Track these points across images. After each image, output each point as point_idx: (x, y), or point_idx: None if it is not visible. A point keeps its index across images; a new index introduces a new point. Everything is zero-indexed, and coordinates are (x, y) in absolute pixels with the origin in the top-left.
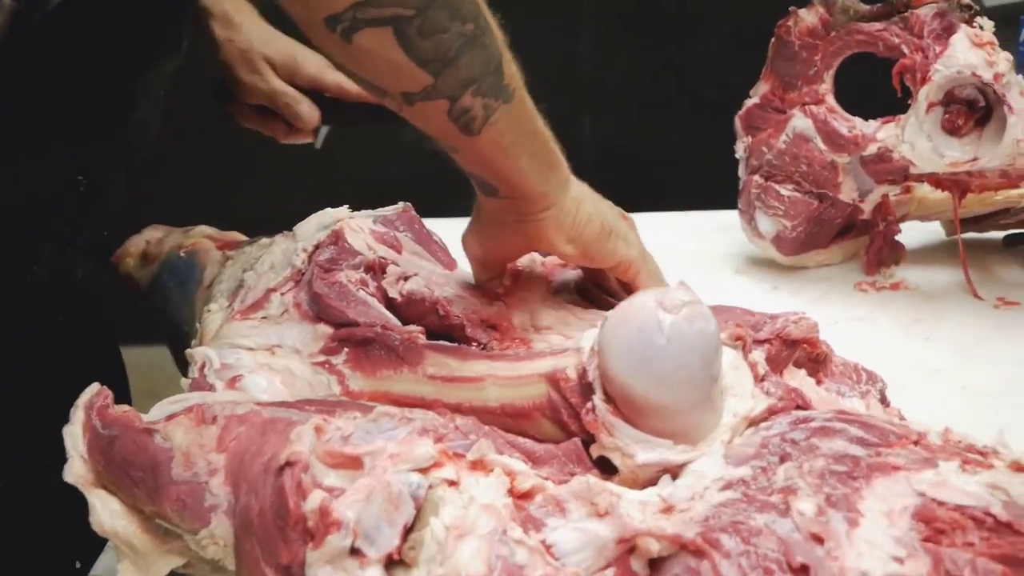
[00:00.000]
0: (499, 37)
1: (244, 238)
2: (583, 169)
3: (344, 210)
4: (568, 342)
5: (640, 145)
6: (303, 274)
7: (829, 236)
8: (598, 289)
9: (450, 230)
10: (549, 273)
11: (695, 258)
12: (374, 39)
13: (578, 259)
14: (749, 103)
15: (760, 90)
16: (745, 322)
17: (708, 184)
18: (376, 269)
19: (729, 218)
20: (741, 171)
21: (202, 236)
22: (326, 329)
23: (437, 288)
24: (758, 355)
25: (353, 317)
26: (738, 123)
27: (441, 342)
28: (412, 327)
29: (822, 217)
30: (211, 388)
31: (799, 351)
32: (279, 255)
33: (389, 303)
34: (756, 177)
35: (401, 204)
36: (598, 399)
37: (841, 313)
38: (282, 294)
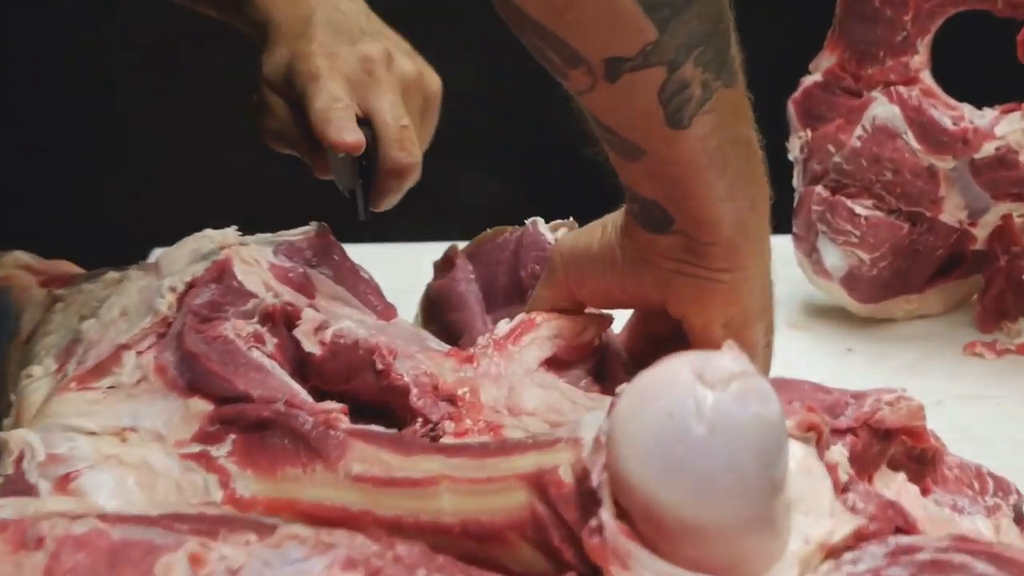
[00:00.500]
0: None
1: (78, 270)
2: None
3: (231, 232)
4: (560, 429)
5: None
6: (170, 324)
7: (925, 275)
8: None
9: (384, 260)
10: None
11: None
12: None
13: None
14: (808, 82)
15: (824, 64)
16: (818, 403)
17: None
18: (277, 319)
19: (779, 248)
20: (797, 180)
21: (16, 267)
22: (203, 405)
23: (374, 336)
24: (839, 452)
25: (243, 388)
26: (792, 110)
27: (373, 427)
28: (330, 404)
29: (915, 247)
30: (33, 492)
31: (896, 446)
32: (134, 296)
33: (298, 367)
34: (819, 189)
35: (314, 225)
36: (607, 514)
37: (946, 389)
38: (139, 353)
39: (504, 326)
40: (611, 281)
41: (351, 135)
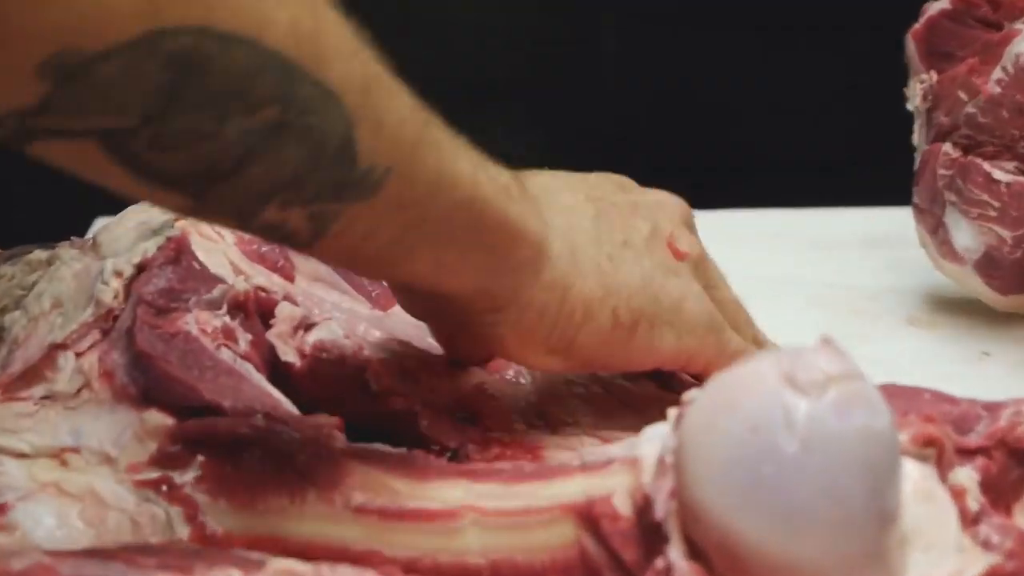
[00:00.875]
0: (351, 98)
1: None
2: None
3: None
4: (613, 447)
5: (707, 90)
6: (116, 318)
7: None
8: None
9: None
10: None
11: (830, 295)
12: (70, 154)
13: (579, 370)
14: (933, 10)
15: None
16: (942, 414)
17: (847, 160)
18: (251, 309)
19: (894, 222)
20: (918, 136)
21: None
22: (162, 419)
23: (366, 345)
24: (967, 476)
25: (211, 398)
26: (912, 47)
27: (377, 446)
28: (322, 417)
29: None
30: None
31: None
32: (68, 283)
33: (278, 372)
34: (947, 147)
35: None
36: (676, 553)
37: None
38: (78, 355)
39: None
40: (451, 342)
41: None
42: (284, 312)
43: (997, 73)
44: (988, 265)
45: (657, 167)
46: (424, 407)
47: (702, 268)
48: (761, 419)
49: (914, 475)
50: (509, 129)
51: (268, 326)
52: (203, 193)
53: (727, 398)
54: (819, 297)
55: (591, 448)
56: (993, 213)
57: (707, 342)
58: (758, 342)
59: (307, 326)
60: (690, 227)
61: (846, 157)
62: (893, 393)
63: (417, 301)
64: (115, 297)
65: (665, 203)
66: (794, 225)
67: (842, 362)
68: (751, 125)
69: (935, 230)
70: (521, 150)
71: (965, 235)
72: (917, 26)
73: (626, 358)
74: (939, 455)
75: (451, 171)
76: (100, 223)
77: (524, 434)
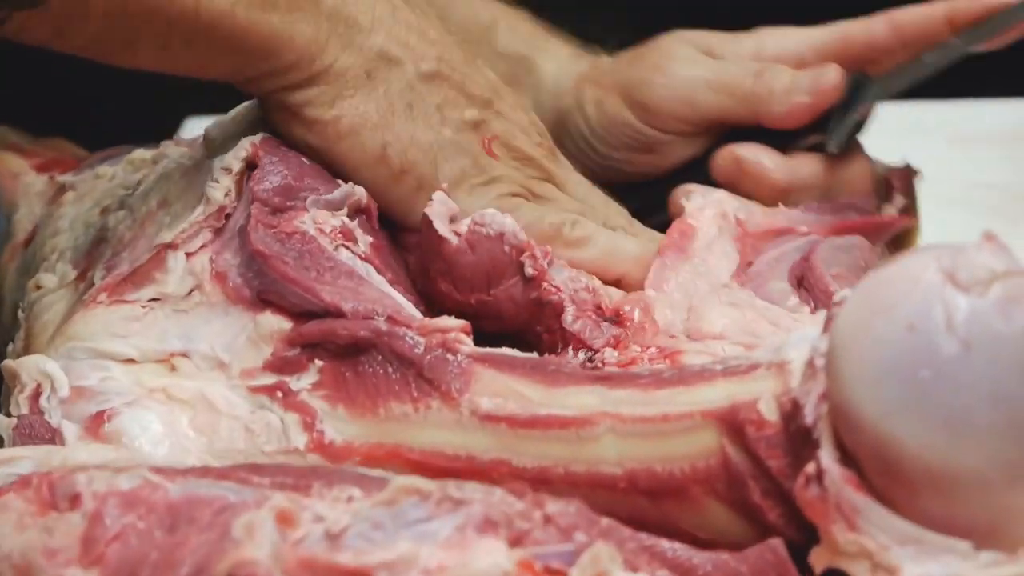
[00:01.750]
0: None
1: (78, 150)
2: None
3: None
4: (758, 352)
5: None
6: (229, 217)
7: None
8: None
9: None
10: (745, 237)
11: (970, 195)
12: None
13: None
14: None
15: None
16: None
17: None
18: (371, 212)
19: None
20: None
21: (1, 148)
22: (278, 322)
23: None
24: None
25: (330, 300)
26: None
27: (506, 350)
28: (448, 320)
29: None
30: (56, 437)
31: None
32: (176, 181)
33: (406, 275)
34: None
35: None
36: (828, 459)
37: None
38: (188, 255)
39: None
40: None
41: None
42: (439, 197)
43: None
44: None
45: None
46: (572, 302)
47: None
48: (919, 318)
49: None
50: None
51: (395, 239)
52: None
53: (882, 296)
54: (958, 197)
55: (733, 353)
56: None
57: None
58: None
59: (459, 217)
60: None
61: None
62: None
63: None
64: (226, 195)
65: (521, 123)
66: (930, 118)
67: (1007, 259)
68: None
69: None
70: None
71: None
72: None
73: (388, 199)
74: None
75: None
76: (191, 123)
77: (664, 341)
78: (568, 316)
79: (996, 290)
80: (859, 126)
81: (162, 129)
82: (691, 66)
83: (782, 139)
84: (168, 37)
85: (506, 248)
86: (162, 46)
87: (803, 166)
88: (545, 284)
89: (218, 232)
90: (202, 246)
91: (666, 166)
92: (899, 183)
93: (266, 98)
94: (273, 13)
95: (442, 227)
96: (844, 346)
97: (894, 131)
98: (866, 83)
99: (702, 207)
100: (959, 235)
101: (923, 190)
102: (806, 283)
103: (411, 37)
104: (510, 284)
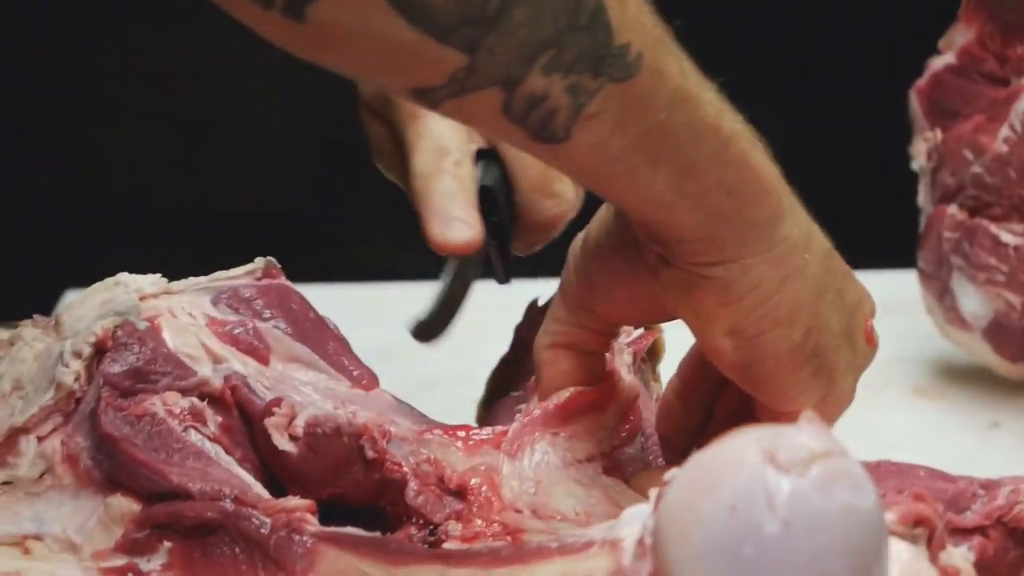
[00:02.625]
0: None
1: None
2: None
3: (154, 279)
4: (593, 529)
5: None
6: (79, 400)
7: None
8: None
9: (368, 306)
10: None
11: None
12: (342, 9)
13: (730, 370)
14: (937, 66)
15: (957, 41)
16: (936, 493)
17: (851, 222)
18: (226, 402)
19: (901, 286)
20: (923, 197)
21: None
22: (128, 505)
23: (359, 415)
24: (961, 556)
25: (179, 482)
26: (916, 104)
27: (349, 530)
28: (293, 500)
29: None
30: None
31: None
32: (29, 364)
33: (253, 455)
34: (953, 209)
35: (260, 262)
36: None
37: None
38: (40, 439)
39: (543, 403)
40: (618, 279)
41: (459, 232)
42: (284, 405)
43: (1004, 131)
44: (997, 332)
45: None
46: (414, 476)
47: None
48: (741, 498)
49: (903, 556)
50: None
51: (245, 419)
52: (475, 46)
53: (706, 477)
54: None
55: (570, 530)
56: (1001, 278)
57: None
58: None
59: (294, 414)
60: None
61: (851, 218)
62: (887, 470)
63: (627, 240)
64: (76, 379)
65: (864, 290)
66: None
67: (825, 439)
68: None
69: (941, 296)
70: None
71: (973, 301)
72: (921, 82)
73: (778, 386)
74: (930, 535)
75: (697, 90)
76: (70, 296)
77: (508, 517)
78: (410, 491)
79: (815, 470)
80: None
81: (40, 300)
82: None
83: None
84: (690, 154)
85: (344, 439)
86: (680, 167)
87: None
88: (387, 463)
89: (68, 416)
90: (53, 429)
91: None
92: None
93: (719, 265)
94: (755, 150)
95: (280, 440)
96: (670, 526)
97: None
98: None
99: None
100: None
101: None
102: (644, 444)
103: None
104: (354, 471)
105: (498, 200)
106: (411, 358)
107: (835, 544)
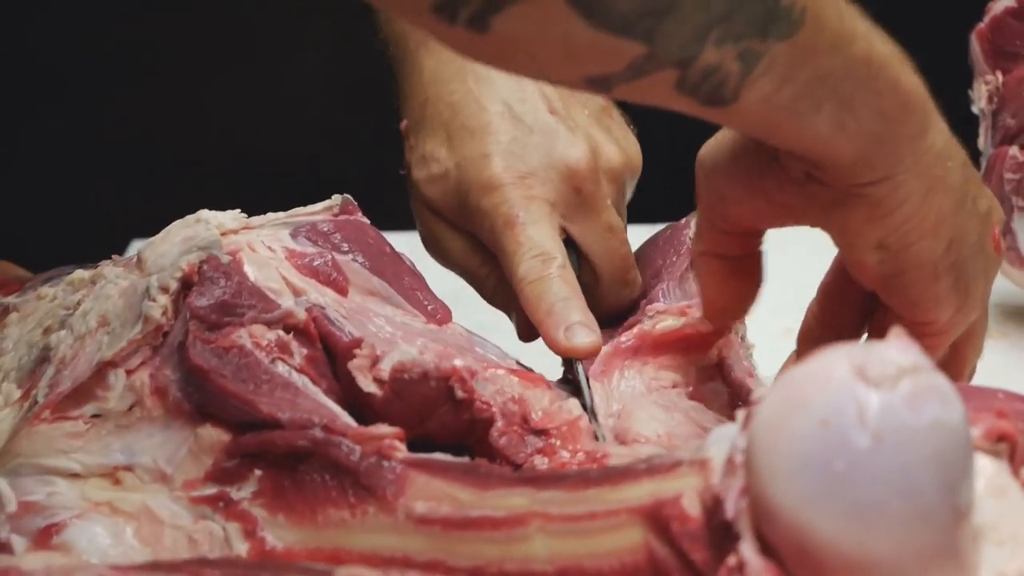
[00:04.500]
0: None
1: (22, 272)
2: None
3: (234, 214)
4: (681, 450)
5: None
6: (167, 334)
7: None
8: None
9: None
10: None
11: None
12: (526, 19)
13: (873, 283)
14: (998, 8)
15: None
16: (1016, 413)
17: None
18: (310, 333)
19: None
20: (984, 139)
21: None
22: (218, 435)
23: (444, 356)
24: None
25: (268, 411)
26: (976, 47)
27: (438, 455)
28: (382, 428)
29: None
30: (5, 550)
31: None
32: (115, 300)
33: (337, 387)
34: (1014, 151)
35: (337, 199)
36: (749, 552)
37: None
38: (129, 372)
39: (628, 334)
40: (754, 190)
41: (583, 337)
42: (365, 346)
43: None
44: None
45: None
46: (501, 416)
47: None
48: (832, 413)
49: (987, 470)
50: None
51: (327, 349)
52: (652, 34)
53: (797, 393)
54: None
55: (658, 452)
56: None
57: (976, 334)
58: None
59: (375, 359)
60: None
61: None
62: (967, 393)
63: (764, 157)
64: (163, 313)
65: (994, 198)
66: None
67: (914, 355)
68: None
69: (1003, 236)
70: None
71: None
72: (981, 25)
73: (921, 297)
74: (1011, 451)
75: (850, 26)
76: (136, 246)
77: (592, 446)
78: (495, 432)
79: (905, 385)
80: None
81: (108, 251)
82: None
83: None
84: (848, 89)
85: (432, 384)
86: (840, 102)
87: None
88: (476, 403)
89: (156, 349)
90: (141, 363)
91: None
92: None
93: (877, 184)
94: (904, 70)
95: (364, 382)
96: (761, 443)
97: (818, 245)
98: None
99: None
100: None
101: None
102: (725, 380)
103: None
104: (442, 413)
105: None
106: (475, 304)
107: (925, 457)
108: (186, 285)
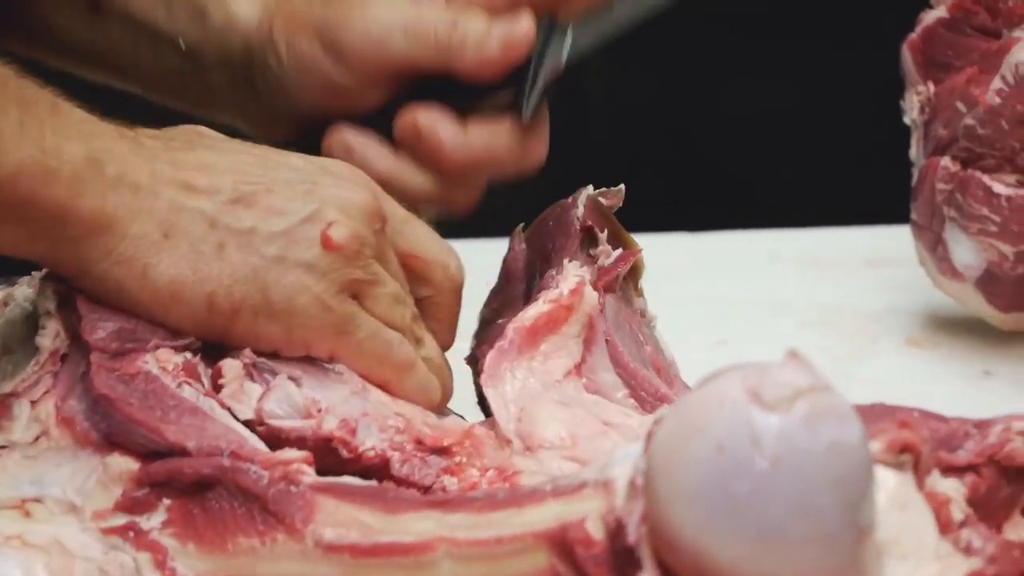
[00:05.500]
0: None
1: None
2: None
3: None
4: (586, 470)
5: (701, 108)
6: (65, 357)
7: None
8: None
9: None
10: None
11: (829, 317)
12: None
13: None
14: (929, 19)
15: None
16: (930, 432)
17: (843, 177)
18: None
19: (894, 240)
20: (915, 150)
21: None
22: (126, 464)
23: (332, 392)
24: (951, 486)
25: (175, 439)
26: (908, 58)
27: (346, 479)
28: (290, 452)
29: None
30: None
31: None
32: (18, 324)
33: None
34: (945, 161)
35: None
36: None
37: None
38: (33, 403)
39: (517, 322)
40: None
41: (518, 27)
42: (231, 371)
43: (996, 83)
44: (989, 282)
45: (651, 188)
46: (393, 450)
47: (365, 261)
48: (728, 438)
49: (889, 483)
50: None
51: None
52: None
53: (693, 417)
54: (818, 319)
55: (564, 472)
56: (994, 228)
57: (323, 337)
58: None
59: (259, 377)
60: (368, 214)
61: (844, 174)
62: (881, 412)
63: None
64: (56, 337)
65: (348, 186)
66: (791, 245)
67: (810, 375)
68: (745, 145)
69: (934, 247)
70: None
71: (965, 251)
72: (913, 36)
73: (231, 341)
74: (915, 461)
75: None
76: None
77: (497, 459)
78: (395, 464)
79: (800, 407)
80: (548, 91)
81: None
82: (390, 8)
83: (476, 95)
84: None
85: (310, 444)
86: None
87: (484, 138)
88: (362, 455)
89: (57, 375)
90: (45, 392)
91: (355, 114)
92: (594, 219)
93: (82, 277)
94: (56, 186)
95: (243, 411)
96: (660, 468)
97: (757, 257)
98: (557, 32)
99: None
100: (819, 357)
101: (786, 313)
102: (620, 375)
103: (199, 178)
104: (326, 462)
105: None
106: None
107: (823, 479)
108: (63, 301)
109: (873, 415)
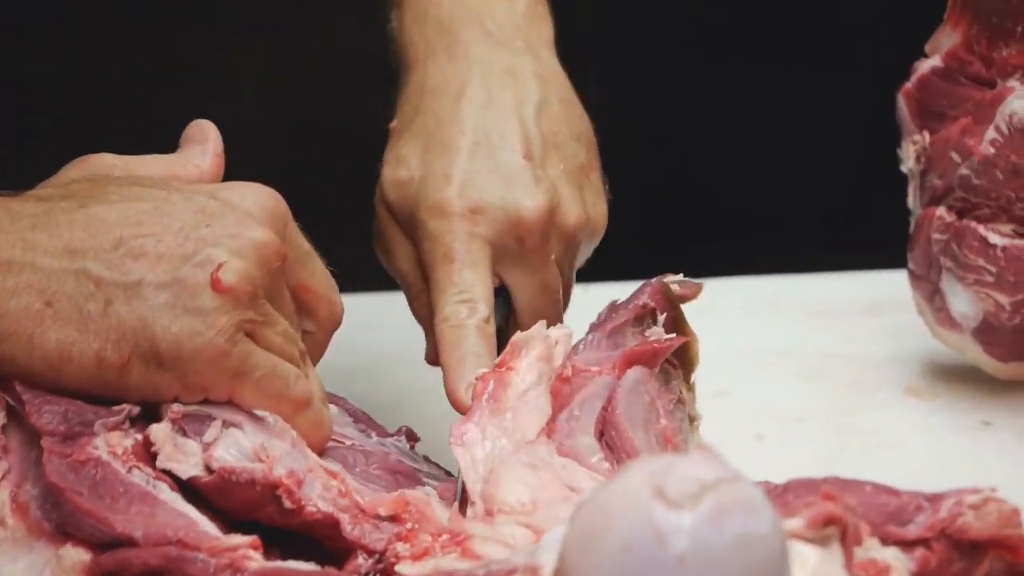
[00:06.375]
0: None
1: None
2: None
3: None
4: (518, 554)
5: (698, 155)
6: (20, 444)
7: None
8: None
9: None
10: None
11: (828, 365)
12: None
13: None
14: (924, 69)
15: (944, 44)
16: (879, 508)
17: (845, 224)
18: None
19: (894, 287)
20: (912, 199)
21: None
22: (78, 555)
23: (275, 462)
24: (892, 556)
25: (123, 530)
26: (902, 106)
27: (291, 565)
28: (236, 538)
29: None
30: None
31: (992, 563)
32: None
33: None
34: (941, 211)
35: None
36: None
37: None
38: None
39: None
40: None
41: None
42: (159, 436)
43: (990, 133)
44: (986, 332)
45: (648, 234)
46: (341, 512)
47: (257, 302)
48: (634, 538)
49: (811, 560)
50: None
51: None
52: None
53: (599, 516)
54: (816, 367)
55: (516, 539)
56: (990, 278)
57: (220, 381)
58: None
59: (208, 440)
60: (264, 253)
61: (844, 221)
62: (808, 486)
63: None
64: None
65: (248, 224)
66: (790, 292)
67: (716, 468)
68: (744, 191)
69: (931, 297)
70: None
71: (962, 301)
72: (908, 85)
73: (128, 394)
74: (842, 533)
75: None
76: None
77: (453, 523)
78: (345, 526)
79: (706, 502)
80: None
81: None
82: None
83: None
84: None
85: (258, 489)
86: None
87: None
88: (305, 508)
89: (10, 459)
90: (2, 477)
91: None
92: (655, 301)
93: None
94: None
95: (185, 471)
96: (572, 566)
97: (756, 305)
98: None
99: (526, 349)
100: (818, 406)
101: (784, 362)
102: (608, 439)
103: (83, 239)
104: (269, 511)
105: (505, 340)
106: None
107: (732, 574)
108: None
109: (799, 491)
